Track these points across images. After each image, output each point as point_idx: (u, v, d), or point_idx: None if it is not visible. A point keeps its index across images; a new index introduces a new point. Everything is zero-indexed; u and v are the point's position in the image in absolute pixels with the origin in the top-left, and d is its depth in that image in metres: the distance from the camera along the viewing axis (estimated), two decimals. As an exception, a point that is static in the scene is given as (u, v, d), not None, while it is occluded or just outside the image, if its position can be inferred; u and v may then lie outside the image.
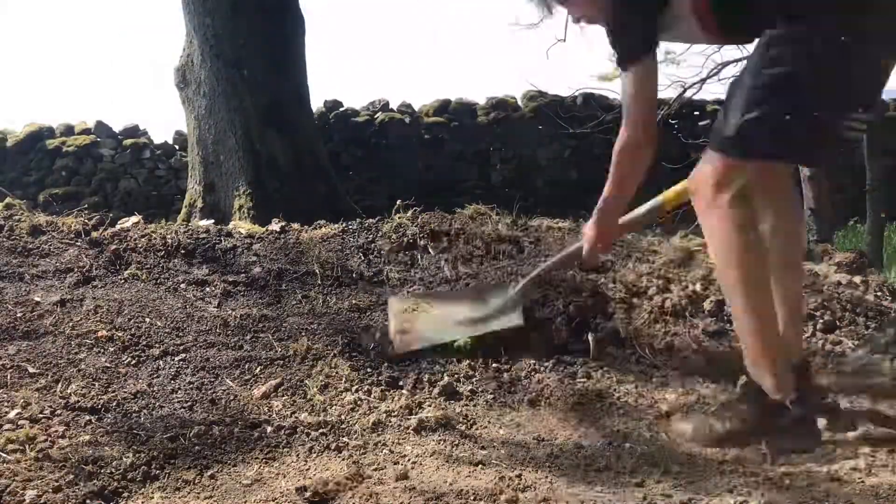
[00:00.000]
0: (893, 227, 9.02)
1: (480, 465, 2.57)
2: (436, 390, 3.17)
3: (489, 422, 2.97)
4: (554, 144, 11.81)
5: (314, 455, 2.70)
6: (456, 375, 3.29)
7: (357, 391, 3.15)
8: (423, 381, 3.24)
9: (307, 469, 2.59)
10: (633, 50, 2.73)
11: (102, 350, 3.27)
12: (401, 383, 3.25)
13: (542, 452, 2.69)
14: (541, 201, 10.55)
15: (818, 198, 5.80)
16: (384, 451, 2.71)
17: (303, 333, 3.54)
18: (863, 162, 7.08)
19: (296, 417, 2.93)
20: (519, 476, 2.46)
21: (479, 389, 3.21)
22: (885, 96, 9.27)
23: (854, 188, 8.61)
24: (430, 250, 4.25)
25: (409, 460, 2.63)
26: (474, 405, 3.10)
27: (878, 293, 3.94)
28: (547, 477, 2.49)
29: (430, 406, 3.05)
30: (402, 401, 3.07)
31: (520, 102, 12.36)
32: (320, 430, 2.85)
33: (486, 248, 4.28)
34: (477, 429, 2.91)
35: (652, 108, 2.85)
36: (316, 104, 11.08)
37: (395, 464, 2.61)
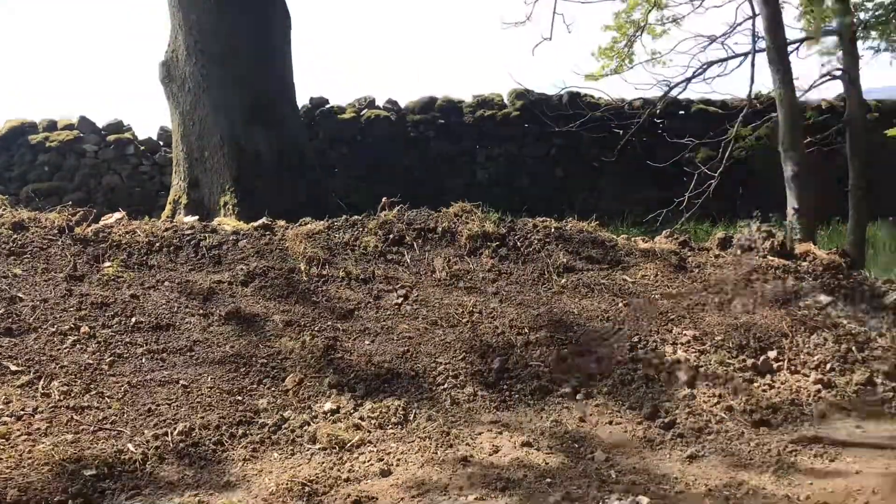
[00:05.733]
0: (876, 226, 9.10)
1: (463, 464, 2.58)
2: (422, 390, 3.17)
3: (474, 423, 2.97)
4: (540, 143, 11.82)
5: (299, 452, 2.69)
6: (445, 375, 3.29)
7: (342, 389, 3.14)
8: (407, 378, 3.24)
9: (292, 466, 2.59)
10: None
11: (85, 347, 3.25)
12: (385, 381, 3.24)
13: (527, 455, 2.69)
14: (527, 199, 10.55)
15: (801, 197, 5.83)
16: (368, 448, 2.71)
17: (288, 331, 3.52)
18: (845, 162, 7.13)
19: (281, 415, 2.92)
20: (500, 473, 2.47)
21: (465, 392, 3.21)
22: (865, 96, 9.34)
23: (837, 188, 8.66)
24: (417, 248, 4.25)
25: (393, 457, 2.63)
26: (458, 406, 3.10)
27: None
28: (529, 476, 2.49)
29: (414, 405, 3.05)
30: (387, 399, 3.07)
31: (506, 100, 12.37)
32: (304, 428, 2.84)
33: (472, 246, 4.28)
34: (461, 429, 2.91)
35: None
36: (302, 101, 11.02)
37: (379, 461, 2.61)
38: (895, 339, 3.58)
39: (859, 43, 7.37)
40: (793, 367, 3.37)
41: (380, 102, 12.16)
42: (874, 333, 3.64)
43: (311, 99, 11.78)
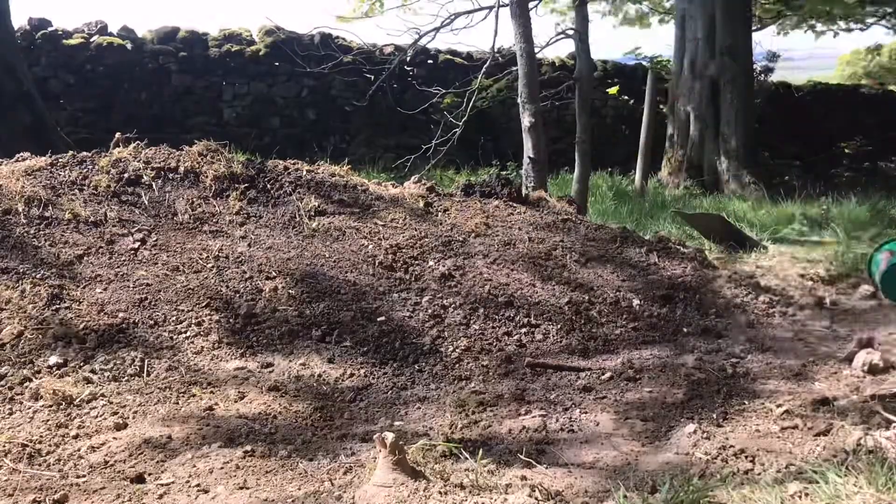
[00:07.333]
0: (597, 175, 10.05)
1: (207, 413, 2.50)
2: (162, 339, 3.00)
3: (219, 371, 2.88)
4: (291, 83, 11.51)
5: (19, 411, 2.45)
6: (188, 322, 3.13)
7: (70, 341, 2.87)
8: (146, 328, 3.05)
9: (10, 427, 2.34)
10: None
11: None
12: (120, 331, 3.02)
13: (274, 400, 2.67)
14: (278, 141, 10.27)
15: (536, 147, 6.25)
16: (101, 402, 2.53)
17: (4, 279, 3.14)
18: (574, 117, 7.74)
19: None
20: (246, 420, 2.43)
21: (210, 340, 3.09)
22: (595, 58, 10.19)
23: (566, 139, 9.42)
24: (156, 189, 3.97)
25: (130, 410, 2.48)
26: (201, 355, 2.99)
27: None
28: (276, 421, 2.48)
29: (154, 356, 2.88)
30: (122, 350, 2.87)
31: (255, 36, 11.85)
32: (25, 384, 2.58)
33: (219, 187, 4.08)
34: (205, 378, 2.81)
35: None
36: (19, 21, 9.76)
37: (114, 414, 2.45)
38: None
39: (589, 6, 7.98)
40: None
41: (113, 29, 11.09)
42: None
43: (31, 20, 10.44)
